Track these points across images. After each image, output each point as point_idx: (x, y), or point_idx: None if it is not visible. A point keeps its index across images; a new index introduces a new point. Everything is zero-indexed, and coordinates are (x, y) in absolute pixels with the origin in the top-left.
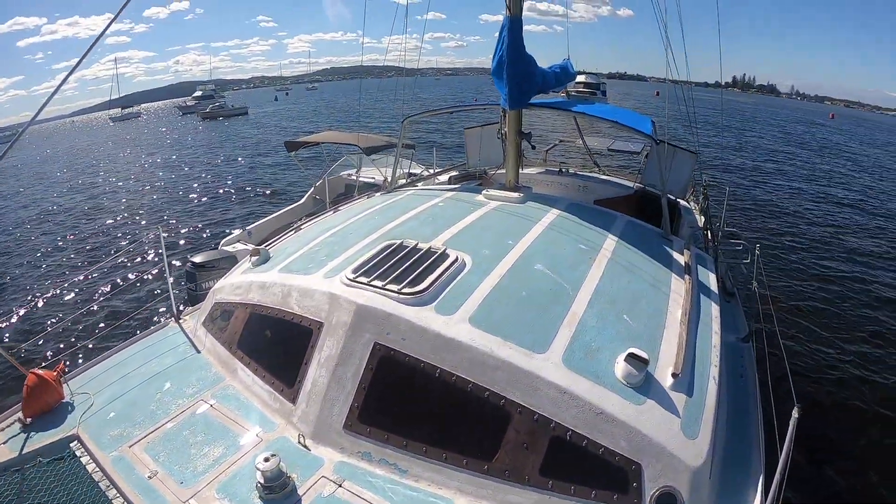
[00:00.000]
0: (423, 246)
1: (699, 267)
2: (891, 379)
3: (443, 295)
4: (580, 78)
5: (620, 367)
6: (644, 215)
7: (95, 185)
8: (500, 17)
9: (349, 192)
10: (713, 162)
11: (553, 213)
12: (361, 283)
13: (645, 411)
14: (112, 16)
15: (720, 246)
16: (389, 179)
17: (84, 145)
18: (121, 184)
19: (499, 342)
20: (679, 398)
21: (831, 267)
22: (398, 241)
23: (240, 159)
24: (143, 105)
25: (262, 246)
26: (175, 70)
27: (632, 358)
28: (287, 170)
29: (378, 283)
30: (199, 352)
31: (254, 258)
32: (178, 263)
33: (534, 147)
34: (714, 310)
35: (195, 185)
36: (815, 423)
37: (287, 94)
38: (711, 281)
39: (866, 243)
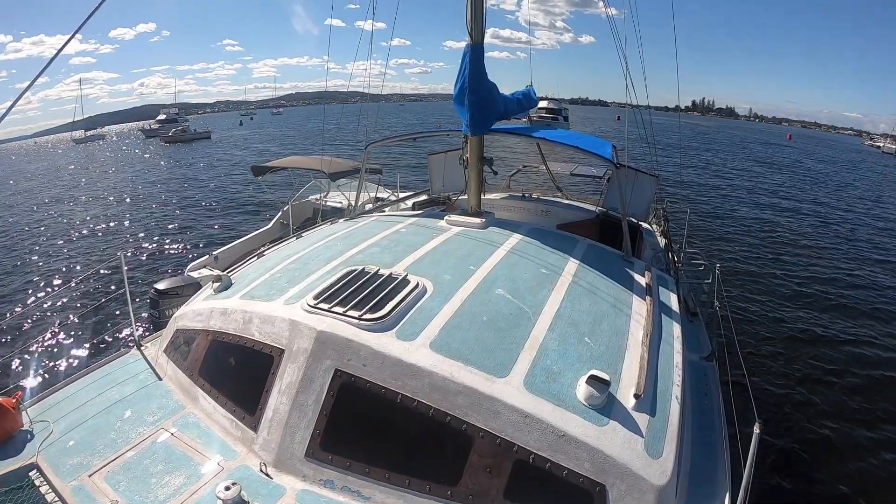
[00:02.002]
0: (385, 272)
1: (660, 288)
2: (849, 389)
3: (404, 321)
4: (542, 104)
5: (582, 389)
6: (606, 238)
7: (56, 209)
8: (464, 44)
9: (317, 216)
10: (674, 184)
11: (515, 238)
12: (322, 309)
13: (608, 432)
14: (79, 35)
15: (682, 267)
16: (354, 205)
17: (43, 168)
18: (82, 208)
19: (460, 367)
20: (642, 418)
21: (790, 283)
22: (359, 268)
23: (205, 183)
24: (107, 127)
25: (225, 272)
26: (140, 92)
27: (593, 380)
28: (254, 194)
29: (339, 309)
30: (160, 379)
31: (215, 284)
32: (142, 290)
33: (496, 173)
34: (676, 329)
35: (159, 209)
36: (777, 437)
37: (252, 118)
38: (673, 301)
39: (823, 258)
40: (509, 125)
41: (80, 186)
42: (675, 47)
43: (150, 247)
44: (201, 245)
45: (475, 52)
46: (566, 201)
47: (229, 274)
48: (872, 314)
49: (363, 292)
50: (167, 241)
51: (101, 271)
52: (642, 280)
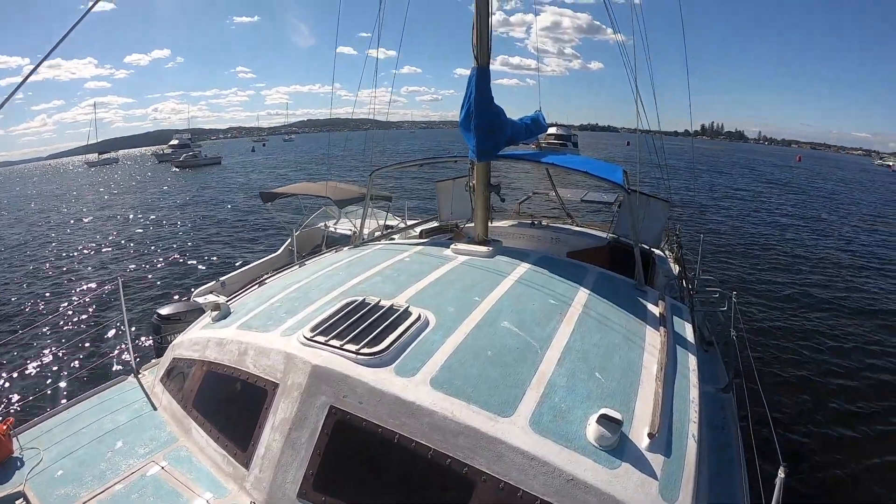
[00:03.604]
0: (386, 303)
1: (674, 317)
2: (876, 426)
3: (403, 355)
4: (551, 130)
5: (592, 428)
6: (618, 266)
7: (61, 231)
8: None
9: (326, 243)
10: (687, 209)
11: (523, 267)
12: (318, 342)
13: (620, 475)
14: (94, 60)
15: (696, 295)
16: (358, 233)
17: (57, 190)
18: (88, 230)
19: (461, 405)
20: (656, 459)
21: (810, 311)
22: (360, 298)
23: (214, 209)
24: (120, 151)
25: (228, 299)
26: (153, 118)
27: (604, 419)
28: (263, 220)
29: (336, 342)
30: (155, 409)
31: (213, 313)
32: (148, 314)
33: (503, 199)
34: (691, 362)
35: (168, 233)
36: (801, 477)
37: (264, 144)
38: (688, 331)
39: (845, 282)
40: (518, 151)
41: (88, 208)
42: (687, 71)
43: (156, 271)
44: (209, 270)
45: (481, 76)
46: (576, 228)
47: (229, 302)
48: None
49: (362, 325)
50: (174, 266)
51: (103, 295)
52: (656, 310)
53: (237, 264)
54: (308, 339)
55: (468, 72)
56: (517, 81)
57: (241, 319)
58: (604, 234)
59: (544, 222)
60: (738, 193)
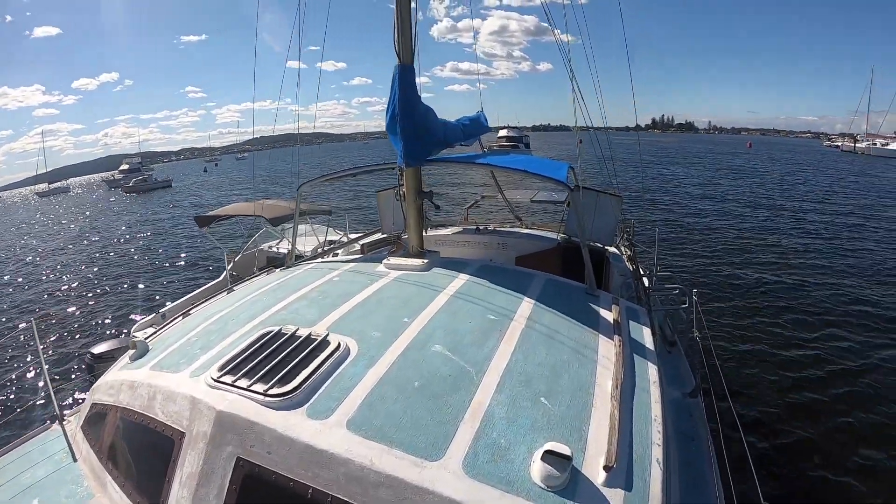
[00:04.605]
0: (304, 332)
1: (631, 322)
2: (848, 418)
3: (318, 394)
4: (502, 132)
5: (537, 467)
6: (570, 268)
7: None
8: (424, 79)
9: (272, 265)
10: (640, 202)
11: (460, 280)
12: (225, 383)
13: None
14: (41, 87)
15: (656, 292)
16: (290, 252)
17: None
18: (23, 265)
19: (382, 450)
20: (615, 496)
21: (773, 299)
22: (276, 329)
23: (161, 234)
24: (71, 179)
25: (143, 338)
26: (104, 143)
27: (550, 455)
28: (211, 244)
29: (244, 382)
30: (75, 460)
31: (130, 352)
32: (81, 353)
33: (437, 207)
34: (652, 373)
35: (108, 264)
36: (775, 478)
37: (216, 164)
38: (646, 337)
39: (804, 265)
40: (454, 154)
41: (28, 242)
42: (630, 70)
43: (93, 305)
44: (149, 303)
45: (404, 74)
46: (525, 230)
47: (153, 338)
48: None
49: (274, 360)
50: (112, 298)
51: (21, 338)
52: (609, 315)
53: (180, 293)
54: (215, 381)
55: (420, 80)
56: (468, 87)
57: (156, 358)
58: (554, 235)
59: (491, 227)
60: (690, 182)
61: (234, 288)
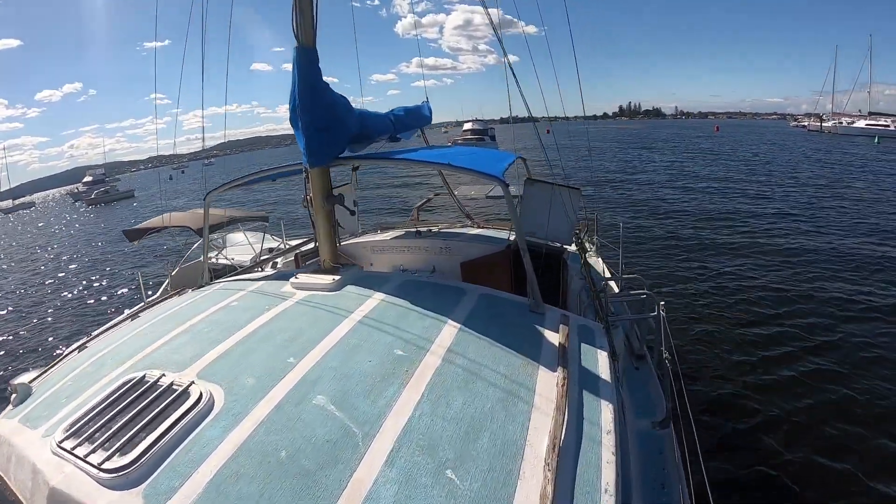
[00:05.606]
0: (167, 380)
1: (583, 346)
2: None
3: (161, 469)
4: (467, 126)
5: None
6: (523, 273)
7: None
8: (390, 77)
9: (216, 277)
10: (602, 195)
11: (374, 300)
12: (65, 449)
13: None
14: (4, 101)
15: (623, 298)
16: (203, 272)
17: None
18: None
19: None
20: None
21: (751, 302)
22: (139, 375)
23: (110, 249)
24: (36, 194)
25: (29, 379)
26: (70, 155)
27: None
28: (166, 257)
29: (83, 449)
30: None
31: (13, 396)
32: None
33: (353, 212)
34: (605, 417)
35: (50, 282)
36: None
37: (183, 172)
38: (602, 364)
39: (783, 256)
40: (381, 150)
41: None
42: (575, 60)
43: (22, 331)
44: (92, 324)
45: (304, 58)
46: (475, 231)
47: (31, 383)
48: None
49: (124, 418)
50: (48, 322)
51: None
52: (555, 338)
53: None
54: (57, 446)
55: (385, 77)
56: (434, 82)
57: (29, 407)
58: (506, 236)
59: (435, 229)
60: (659, 168)
61: (140, 313)
